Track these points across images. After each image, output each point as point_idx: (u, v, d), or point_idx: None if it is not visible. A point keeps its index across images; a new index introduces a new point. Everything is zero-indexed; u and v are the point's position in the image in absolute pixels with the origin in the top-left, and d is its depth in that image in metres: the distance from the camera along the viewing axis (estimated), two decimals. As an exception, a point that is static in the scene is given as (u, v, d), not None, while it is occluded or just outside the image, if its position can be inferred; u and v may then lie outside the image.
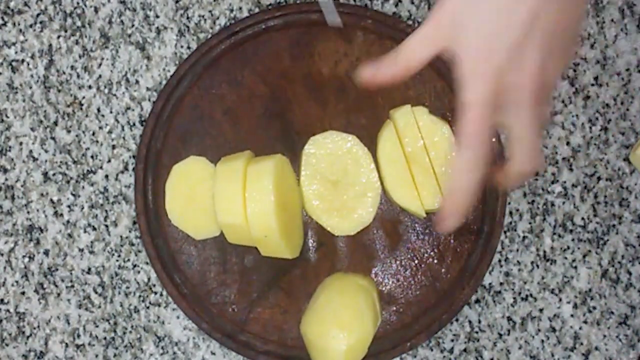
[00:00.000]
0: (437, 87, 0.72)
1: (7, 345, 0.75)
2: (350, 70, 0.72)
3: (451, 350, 0.74)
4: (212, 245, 0.73)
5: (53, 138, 0.74)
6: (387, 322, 0.72)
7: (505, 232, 0.74)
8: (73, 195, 0.75)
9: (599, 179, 0.74)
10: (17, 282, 0.75)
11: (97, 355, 0.74)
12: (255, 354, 0.72)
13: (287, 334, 0.73)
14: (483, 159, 0.56)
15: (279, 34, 0.73)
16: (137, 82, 0.74)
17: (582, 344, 0.74)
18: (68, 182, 0.75)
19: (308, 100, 0.73)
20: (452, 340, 0.74)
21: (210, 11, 0.74)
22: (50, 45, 0.75)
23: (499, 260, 0.74)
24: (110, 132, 0.74)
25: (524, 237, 0.74)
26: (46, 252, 0.75)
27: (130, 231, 0.74)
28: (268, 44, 0.73)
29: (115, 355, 0.74)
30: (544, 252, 0.74)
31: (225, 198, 0.67)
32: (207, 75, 0.73)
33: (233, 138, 0.73)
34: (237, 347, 0.72)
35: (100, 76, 0.74)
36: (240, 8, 0.74)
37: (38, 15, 0.75)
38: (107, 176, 0.74)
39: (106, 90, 0.74)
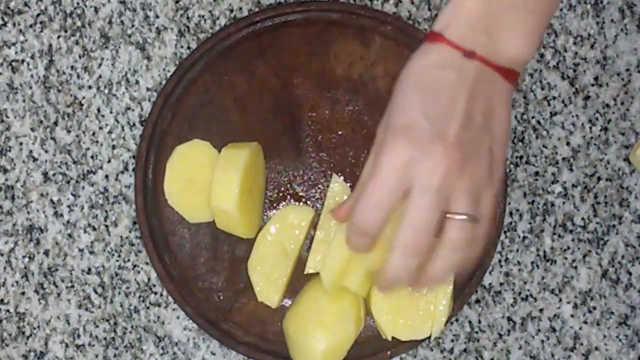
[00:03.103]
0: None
1: (7, 345, 0.75)
2: (365, 74, 0.72)
3: (451, 351, 0.74)
4: (205, 231, 0.73)
5: (53, 138, 0.75)
6: (370, 329, 0.72)
7: (505, 232, 0.74)
8: (73, 195, 0.75)
9: (599, 179, 0.74)
10: (17, 282, 0.75)
11: (97, 356, 0.74)
12: (235, 344, 0.72)
13: (269, 328, 0.73)
14: (375, 235, 0.55)
15: (298, 30, 0.73)
16: (137, 82, 0.74)
17: (582, 344, 0.74)
18: (68, 182, 0.75)
19: (318, 99, 0.73)
20: (452, 341, 0.74)
21: (210, 11, 0.74)
22: (50, 45, 0.75)
23: (499, 260, 0.74)
24: (110, 132, 0.75)
25: (524, 237, 0.74)
26: (46, 252, 0.75)
27: (130, 231, 0.74)
28: (286, 38, 0.73)
29: (115, 356, 0.74)
30: (544, 252, 0.74)
31: (221, 184, 0.68)
32: (221, 62, 0.73)
33: (239, 127, 0.73)
34: (218, 334, 0.72)
35: (100, 76, 0.74)
36: (241, 8, 0.74)
37: (38, 15, 0.75)
38: (107, 176, 0.74)
39: (106, 91, 0.74)
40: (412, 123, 0.53)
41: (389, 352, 0.71)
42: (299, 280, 0.72)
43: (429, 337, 0.68)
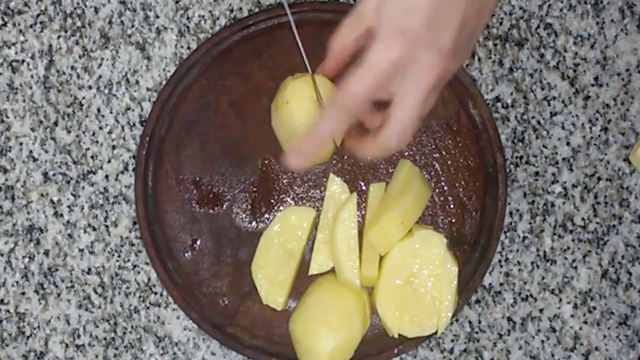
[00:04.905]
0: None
1: (7, 345, 0.75)
2: None
3: (451, 351, 0.74)
4: (207, 236, 0.73)
5: (53, 138, 0.75)
6: (376, 327, 0.72)
7: (505, 232, 0.74)
8: (73, 195, 0.75)
9: (599, 179, 0.74)
10: (17, 282, 0.75)
11: (97, 356, 0.74)
12: (242, 348, 0.72)
13: (275, 330, 0.73)
14: (353, 118, 0.58)
15: (292, 31, 0.73)
16: (137, 82, 0.74)
17: (582, 344, 0.74)
18: (68, 182, 0.75)
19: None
20: (452, 341, 0.74)
21: (210, 11, 0.74)
22: (50, 45, 0.75)
23: (499, 261, 0.74)
24: (110, 132, 0.75)
25: (524, 237, 0.74)
26: (46, 253, 0.75)
27: (130, 231, 0.74)
28: (280, 40, 0.73)
29: (115, 356, 0.74)
30: (544, 252, 0.74)
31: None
32: (217, 66, 0.73)
33: (237, 130, 0.73)
34: (224, 339, 0.72)
35: (100, 76, 0.74)
36: (241, 8, 0.74)
37: (38, 15, 0.75)
38: (107, 176, 0.74)
39: (106, 91, 0.74)
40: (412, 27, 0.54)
41: (395, 350, 0.71)
42: (303, 281, 0.72)
43: (435, 333, 0.68)
